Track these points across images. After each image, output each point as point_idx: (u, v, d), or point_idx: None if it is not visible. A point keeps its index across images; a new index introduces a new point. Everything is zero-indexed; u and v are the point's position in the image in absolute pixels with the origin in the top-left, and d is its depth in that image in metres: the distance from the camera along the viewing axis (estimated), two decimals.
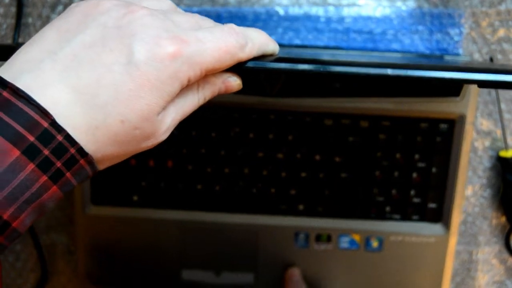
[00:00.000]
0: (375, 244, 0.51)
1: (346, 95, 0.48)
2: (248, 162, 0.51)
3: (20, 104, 0.23)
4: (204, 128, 0.50)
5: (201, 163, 0.51)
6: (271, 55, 0.32)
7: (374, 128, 0.49)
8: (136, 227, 0.52)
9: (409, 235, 0.51)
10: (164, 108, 0.27)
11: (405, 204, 0.51)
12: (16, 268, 0.57)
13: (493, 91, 0.51)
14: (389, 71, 0.30)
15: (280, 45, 0.52)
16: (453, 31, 0.51)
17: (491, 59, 0.52)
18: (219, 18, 0.52)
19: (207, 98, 0.31)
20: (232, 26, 0.29)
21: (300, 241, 0.52)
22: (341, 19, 0.52)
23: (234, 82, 0.31)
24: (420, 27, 0.51)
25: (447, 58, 0.50)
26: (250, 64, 0.30)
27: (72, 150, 0.25)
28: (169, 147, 0.50)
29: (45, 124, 0.24)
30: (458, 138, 0.49)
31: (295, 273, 0.51)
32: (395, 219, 0.52)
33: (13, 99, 0.23)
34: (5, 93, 0.24)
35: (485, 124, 0.53)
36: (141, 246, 0.52)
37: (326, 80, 0.47)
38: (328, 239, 0.51)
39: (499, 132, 0.53)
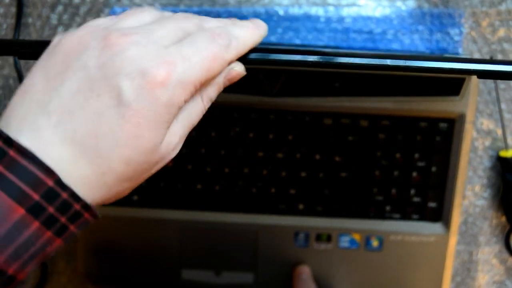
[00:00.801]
0: (375, 243, 0.51)
1: (346, 95, 0.48)
2: (248, 162, 0.51)
3: (25, 163, 0.24)
4: (204, 128, 0.50)
5: (201, 163, 0.51)
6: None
7: (374, 127, 0.49)
8: (136, 227, 0.51)
9: (409, 235, 0.51)
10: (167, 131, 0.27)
11: (405, 203, 0.51)
12: None
13: (493, 90, 0.51)
14: (388, 61, 0.30)
15: (280, 45, 0.53)
16: (453, 31, 0.51)
17: (491, 59, 0.52)
18: (219, 18, 0.52)
19: (213, 99, 0.30)
20: (212, 27, 0.29)
21: (300, 241, 0.52)
22: (341, 19, 0.52)
23: (236, 71, 0.30)
24: (420, 27, 0.51)
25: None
26: (249, 57, 0.30)
27: (77, 206, 0.25)
28: None
29: (50, 183, 0.24)
30: (458, 137, 0.49)
31: (304, 271, 0.51)
32: (395, 219, 0.52)
33: (18, 158, 0.24)
34: (11, 152, 0.24)
35: (485, 123, 0.53)
36: (141, 246, 0.52)
37: (326, 76, 0.47)
38: (328, 238, 0.51)
39: (499, 132, 0.53)
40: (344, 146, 0.50)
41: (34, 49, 0.30)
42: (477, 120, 0.52)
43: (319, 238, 0.51)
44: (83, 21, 0.53)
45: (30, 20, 0.52)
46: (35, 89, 0.26)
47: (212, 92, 0.29)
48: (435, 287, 0.52)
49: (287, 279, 0.52)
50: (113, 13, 0.52)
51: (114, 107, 0.25)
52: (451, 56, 0.37)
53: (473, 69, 0.30)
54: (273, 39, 0.53)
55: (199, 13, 0.53)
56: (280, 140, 0.50)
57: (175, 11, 0.52)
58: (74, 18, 0.52)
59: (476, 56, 0.52)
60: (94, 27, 0.27)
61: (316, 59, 0.30)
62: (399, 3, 0.51)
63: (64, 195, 0.24)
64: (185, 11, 0.53)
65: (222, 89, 0.30)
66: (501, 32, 0.51)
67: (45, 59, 0.27)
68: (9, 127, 0.25)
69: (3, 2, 0.52)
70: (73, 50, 0.26)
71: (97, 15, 0.52)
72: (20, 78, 0.53)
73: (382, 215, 0.52)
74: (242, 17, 0.52)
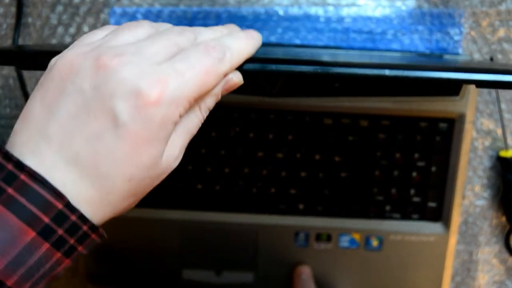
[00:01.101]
0: (375, 243, 0.51)
1: (346, 95, 0.48)
2: (248, 162, 0.51)
3: (36, 187, 0.24)
4: (204, 128, 0.50)
5: (201, 163, 0.51)
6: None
7: (374, 127, 0.49)
8: (136, 227, 0.52)
9: (409, 234, 0.51)
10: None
11: (405, 203, 0.51)
12: None
13: (493, 91, 0.52)
14: (387, 72, 0.30)
15: (280, 45, 0.53)
16: (453, 31, 0.51)
17: (491, 59, 0.52)
18: (219, 18, 0.52)
19: (212, 108, 0.30)
20: (206, 40, 0.29)
21: (300, 241, 0.52)
22: (340, 19, 0.52)
23: (234, 81, 0.30)
24: (420, 27, 0.51)
25: (447, 57, 0.50)
26: (246, 67, 0.30)
27: (85, 228, 0.26)
28: None
29: (60, 206, 0.25)
30: (458, 137, 0.49)
31: (304, 271, 0.51)
32: (395, 218, 0.52)
33: (29, 182, 0.24)
34: (22, 176, 0.24)
35: (485, 124, 0.53)
36: (141, 246, 0.52)
37: (325, 80, 0.47)
38: (328, 238, 0.51)
39: (499, 132, 0.53)
40: (344, 146, 0.50)
41: (34, 60, 0.30)
42: (477, 120, 0.52)
43: (319, 238, 0.51)
44: (83, 21, 0.53)
45: (30, 20, 0.52)
46: (34, 115, 0.26)
47: (210, 103, 0.30)
48: (435, 287, 0.52)
49: (287, 279, 0.52)
50: (113, 13, 0.52)
51: (111, 129, 0.25)
52: (448, 65, 0.36)
53: (472, 79, 0.30)
54: (273, 39, 0.53)
55: (198, 13, 0.53)
56: (280, 140, 0.50)
57: (175, 11, 0.52)
58: (74, 18, 0.52)
59: (476, 56, 0.52)
60: (87, 45, 0.27)
61: (313, 70, 0.30)
62: (399, 3, 0.51)
63: (73, 217, 0.25)
64: (185, 11, 0.53)
65: (220, 98, 0.30)
66: (501, 32, 0.51)
67: (42, 84, 0.27)
68: (13, 153, 0.26)
69: (3, 2, 0.52)
70: (67, 73, 0.26)
71: (97, 15, 0.52)
72: (20, 78, 0.53)
73: (382, 215, 0.52)
74: (242, 17, 0.52)
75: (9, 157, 0.25)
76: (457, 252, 0.56)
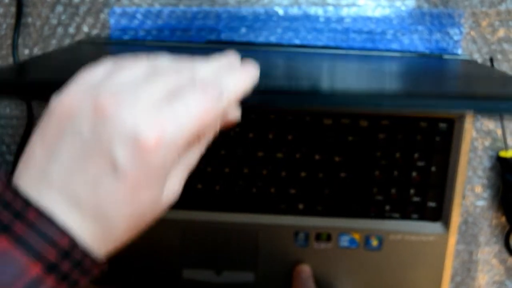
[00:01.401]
0: (374, 243, 0.51)
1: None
2: (248, 162, 0.51)
3: (44, 224, 0.25)
4: None
5: (201, 163, 0.51)
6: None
7: (374, 127, 0.49)
8: None
9: (408, 234, 0.51)
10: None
11: (405, 203, 0.51)
12: None
13: None
14: (387, 104, 0.30)
15: (280, 45, 0.53)
16: (452, 31, 0.51)
17: (491, 60, 0.52)
18: (218, 18, 0.52)
19: (210, 140, 0.30)
20: (204, 77, 0.29)
21: (300, 240, 0.52)
22: (340, 19, 0.52)
23: (231, 117, 0.31)
24: (420, 27, 0.52)
25: (446, 57, 0.50)
26: (243, 101, 0.30)
27: (89, 262, 0.26)
28: None
29: (65, 243, 0.25)
30: (458, 137, 0.49)
31: (304, 270, 0.51)
32: (395, 218, 0.52)
33: (37, 219, 0.25)
34: (30, 213, 0.25)
35: (485, 124, 0.53)
36: (141, 246, 0.52)
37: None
38: (328, 238, 0.51)
39: (499, 132, 0.53)
40: (344, 146, 0.50)
41: (35, 94, 0.31)
42: (477, 120, 0.52)
43: (319, 237, 0.51)
44: (83, 21, 0.53)
45: (30, 20, 0.52)
46: (35, 158, 0.27)
47: (208, 137, 0.30)
48: (435, 287, 0.52)
49: (287, 278, 0.52)
50: (112, 13, 0.52)
51: (110, 173, 0.26)
52: (447, 92, 0.36)
53: (469, 109, 0.30)
54: (272, 39, 0.53)
55: (198, 13, 0.53)
56: (280, 140, 0.50)
57: (174, 11, 0.52)
58: (73, 18, 0.52)
59: (476, 56, 0.52)
60: (86, 85, 0.27)
61: (311, 104, 0.30)
62: (398, 3, 0.51)
63: (78, 253, 0.26)
64: (185, 11, 0.53)
65: (218, 132, 0.31)
66: (501, 32, 0.52)
67: (42, 126, 0.27)
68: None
69: (3, 2, 0.52)
70: (66, 115, 0.27)
71: (97, 15, 0.52)
72: None
73: (381, 215, 0.52)
74: (242, 17, 0.52)
75: (18, 194, 0.25)
76: (457, 252, 0.56)
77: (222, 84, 0.29)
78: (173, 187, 0.29)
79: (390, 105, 0.30)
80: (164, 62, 0.30)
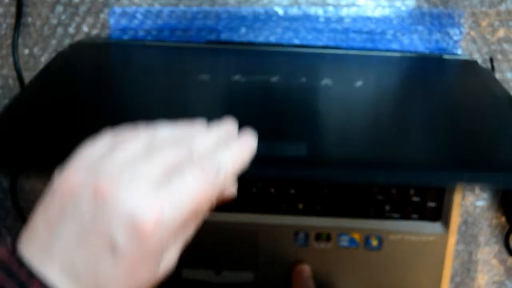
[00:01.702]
0: (374, 242, 0.51)
1: None
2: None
3: None
4: None
5: None
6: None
7: None
8: None
9: (408, 234, 0.51)
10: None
11: (405, 203, 0.51)
12: None
13: None
14: (380, 176, 0.31)
15: (280, 45, 0.53)
16: (452, 31, 0.51)
17: (491, 59, 0.52)
18: (218, 18, 0.52)
19: (207, 215, 0.31)
20: (201, 154, 0.29)
21: (300, 240, 0.52)
22: (340, 19, 0.52)
23: (228, 194, 0.32)
24: (420, 27, 0.52)
25: (446, 57, 0.50)
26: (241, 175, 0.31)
27: None
28: None
29: None
30: None
31: (304, 270, 0.51)
32: (395, 218, 0.52)
33: None
34: (35, 285, 0.26)
35: None
36: None
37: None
38: (328, 237, 0.51)
39: None
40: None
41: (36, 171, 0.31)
42: None
43: (318, 237, 0.51)
44: (83, 21, 0.53)
45: (29, 20, 0.52)
46: (37, 234, 0.27)
47: (205, 212, 0.30)
48: (435, 287, 0.52)
49: (287, 278, 0.52)
50: (112, 13, 0.52)
51: (109, 254, 0.26)
52: (442, 164, 0.36)
53: (461, 181, 0.31)
54: (272, 39, 0.53)
55: (198, 13, 0.53)
56: None
57: (174, 11, 0.52)
58: (73, 18, 0.52)
59: (476, 56, 0.52)
60: (86, 162, 0.28)
61: (306, 178, 0.31)
62: (398, 3, 0.51)
63: None
64: (185, 11, 0.53)
65: (215, 206, 0.31)
66: (501, 33, 0.52)
67: (45, 202, 0.28)
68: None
69: (2, 1, 0.52)
70: (68, 194, 0.27)
71: (97, 15, 0.53)
72: (20, 78, 0.53)
73: (381, 215, 0.52)
74: (242, 17, 0.52)
75: (23, 265, 0.26)
76: (457, 252, 0.56)
77: (220, 159, 0.29)
78: (170, 260, 0.29)
79: (382, 180, 0.30)
80: (162, 133, 0.30)
